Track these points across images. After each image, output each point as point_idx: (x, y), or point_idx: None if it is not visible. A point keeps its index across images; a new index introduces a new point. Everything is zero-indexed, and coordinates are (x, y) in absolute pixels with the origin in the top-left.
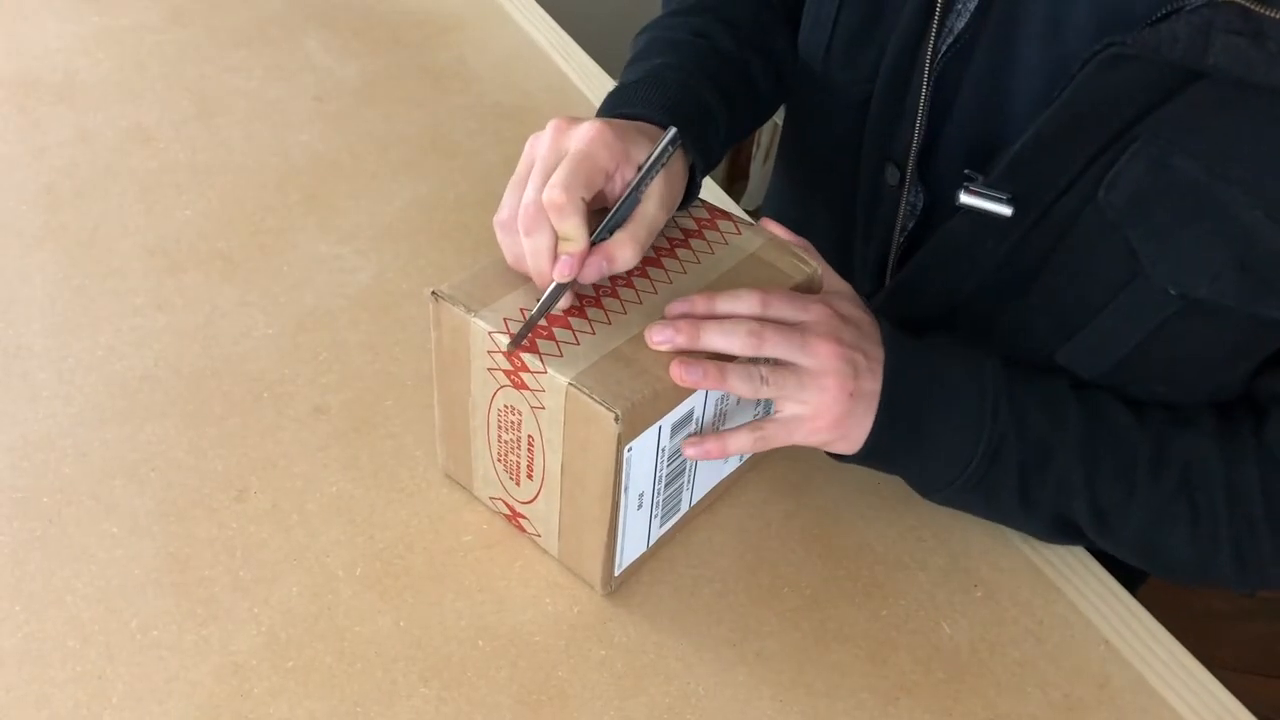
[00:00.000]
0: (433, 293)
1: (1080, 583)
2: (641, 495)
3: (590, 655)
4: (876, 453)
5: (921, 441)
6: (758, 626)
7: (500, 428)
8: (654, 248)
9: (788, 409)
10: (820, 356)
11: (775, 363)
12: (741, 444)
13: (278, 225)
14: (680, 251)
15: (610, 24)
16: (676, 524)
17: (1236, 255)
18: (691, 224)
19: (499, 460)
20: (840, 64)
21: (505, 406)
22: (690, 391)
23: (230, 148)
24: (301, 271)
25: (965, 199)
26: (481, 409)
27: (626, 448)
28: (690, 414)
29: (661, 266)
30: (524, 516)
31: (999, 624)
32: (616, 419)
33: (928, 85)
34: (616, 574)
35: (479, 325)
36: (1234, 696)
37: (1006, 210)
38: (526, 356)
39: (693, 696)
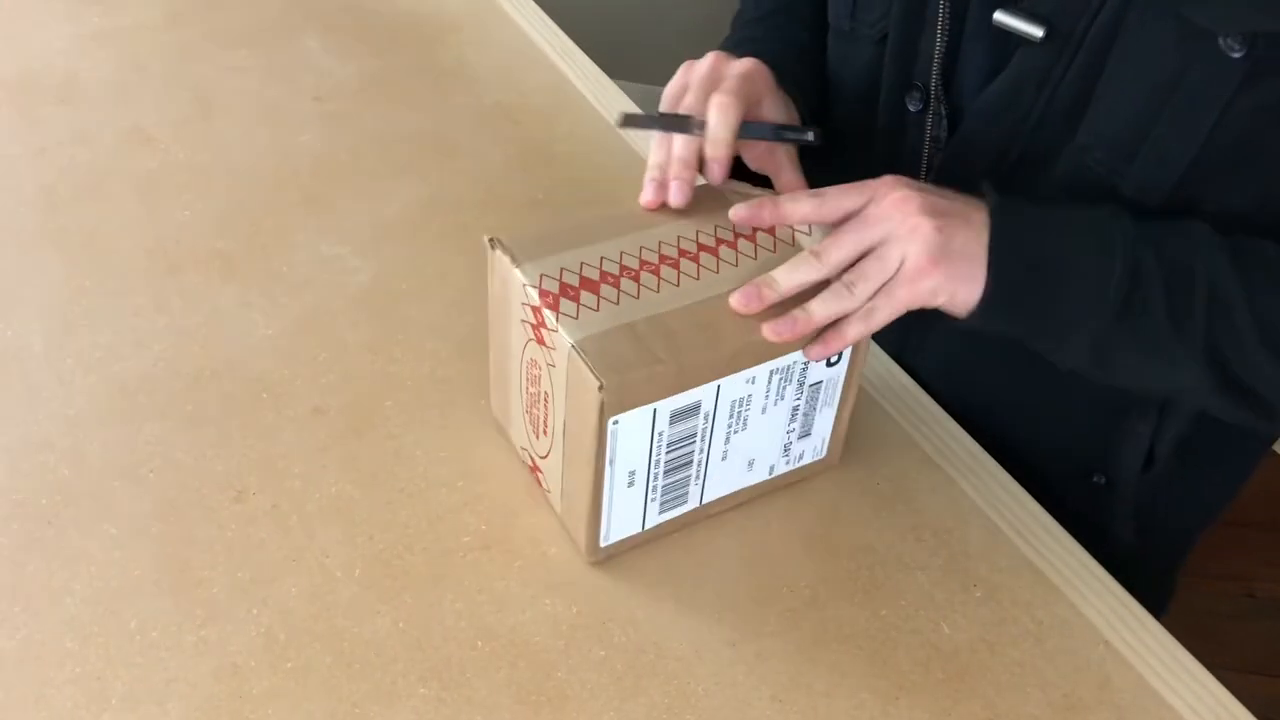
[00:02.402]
0: (489, 239)
1: (1080, 583)
2: (633, 474)
3: (590, 655)
4: (1001, 295)
5: (1050, 269)
6: (758, 626)
7: (527, 380)
8: (717, 233)
9: (890, 261)
10: (886, 220)
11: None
12: (857, 333)
13: (278, 225)
14: (742, 244)
15: (610, 25)
16: (685, 517)
17: None
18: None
19: (527, 412)
20: (864, 9)
21: (531, 360)
22: (696, 384)
23: (230, 148)
24: (301, 271)
25: (999, 16)
26: (515, 359)
27: (612, 420)
28: (697, 407)
29: (716, 255)
30: (541, 471)
31: (999, 624)
32: (600, 388)
33: None
34: (603, 545)
35: (518, 276)
36: (1234, 696)
37: (1038, 31)
38: (547, 313)
39: (692, 696)
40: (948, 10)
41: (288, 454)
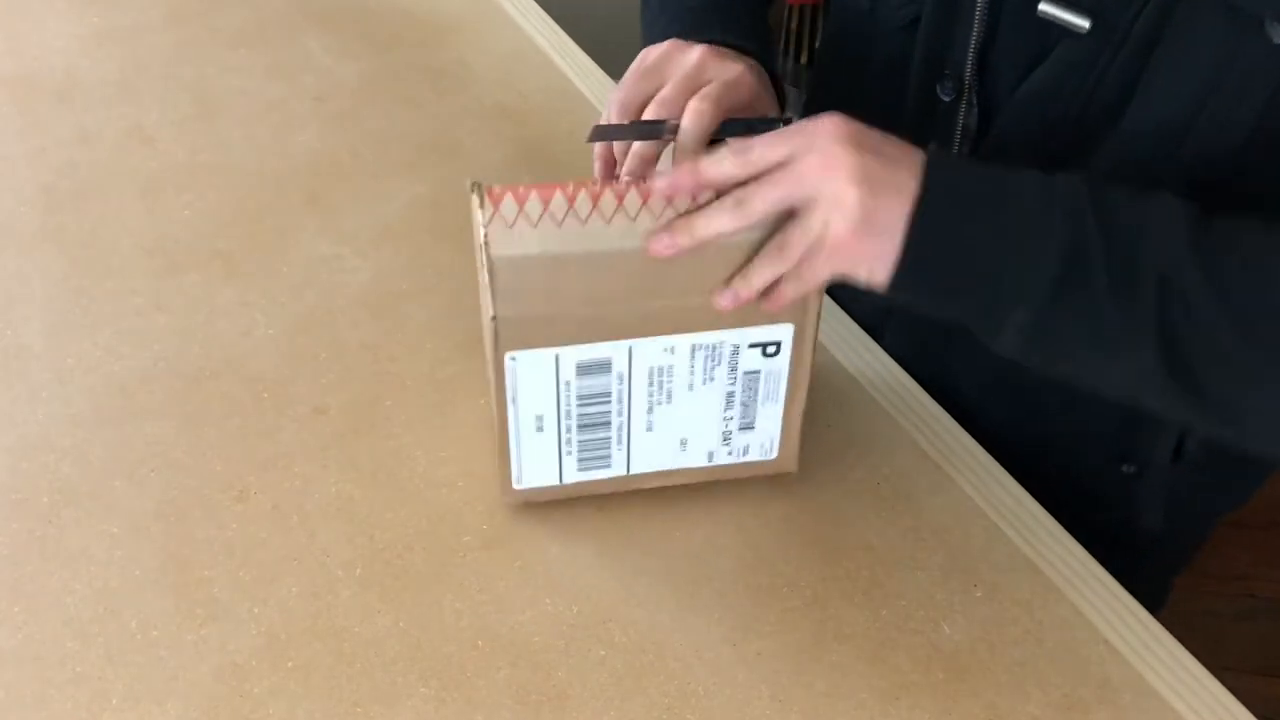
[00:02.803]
0: (473, 184)
1: (1080, 583)
2: (540, 419)
3: (590, 655)
4: (912, 276)
5: (976, 248)
6: (758, 626)
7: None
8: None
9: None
10: (813, 180)
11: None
12: (791, 291)
13: (278, 225)
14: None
15: (609, 25)
16: (613, 483)
17: None
18: None
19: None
20: None
21: (484, 282)
22: (601, 338)
23: (230, 148)
24: (301, 271)
25: (1045, 7)
26: (484, 301)
27: (509, 355)
28: (608, 364)
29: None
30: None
31: (999, 624)
32: (493, 319)
33: None
34: (516, 488)
35: (476, 200)
36: (1234, 696)
37: (1084, 22)
38: (493, 220)
39: (692, 696)
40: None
41: (288, 454)
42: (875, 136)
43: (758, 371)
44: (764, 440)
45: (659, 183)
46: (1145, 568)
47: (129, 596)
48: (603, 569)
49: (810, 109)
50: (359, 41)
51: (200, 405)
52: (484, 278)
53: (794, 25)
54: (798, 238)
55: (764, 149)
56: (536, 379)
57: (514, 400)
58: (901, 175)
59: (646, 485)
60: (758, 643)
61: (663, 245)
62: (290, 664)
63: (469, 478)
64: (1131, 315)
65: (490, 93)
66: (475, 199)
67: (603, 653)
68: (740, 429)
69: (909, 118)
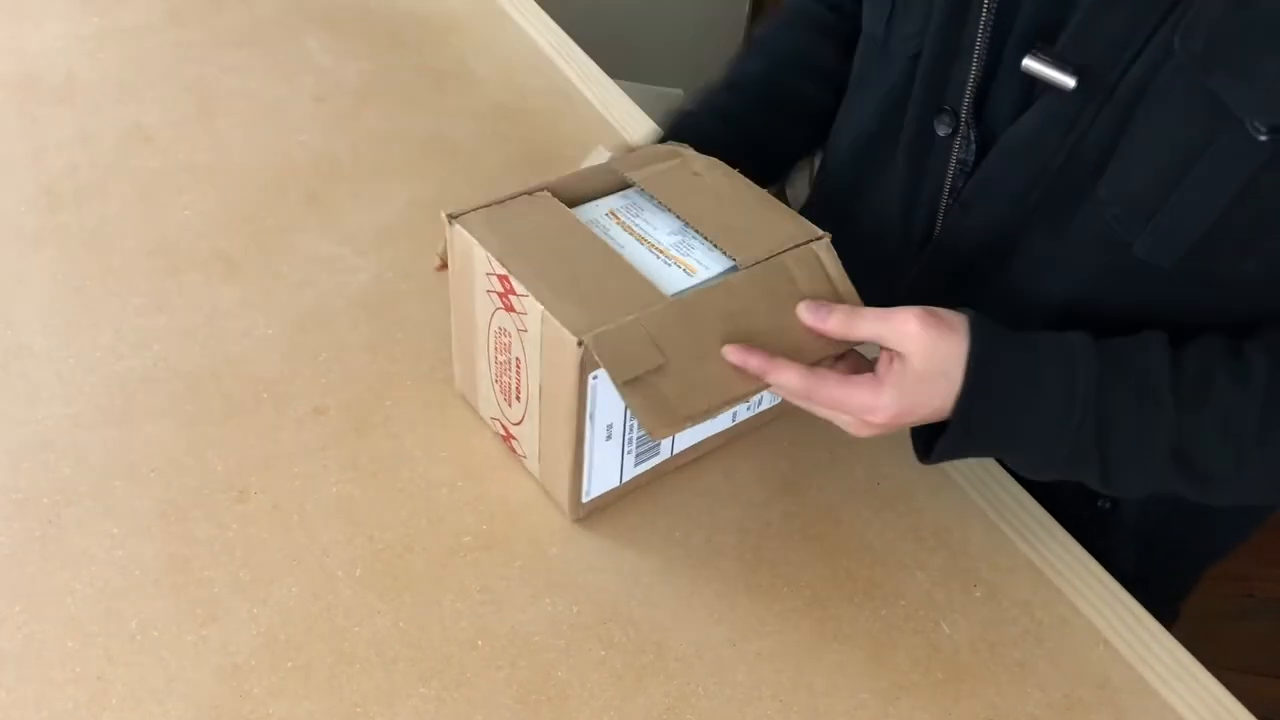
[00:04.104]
0: (448, 215)
1: (1080, 583)
2: (610, 427)
3: (590, 655)
4: (957, 450)
5: (1010, 442)
6: (758, 626)
7: (496, 349)
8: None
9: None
10: (852, 413)
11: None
12: (789, 381)
13: (278, 225)
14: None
15: (610, 25)
16: (657, 468)
17: None
18: None
19: (496, 381)
20: (901, 20)
21: (500, 329)
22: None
23: (230, 148)
24: (301, 271)
25: (1029, 63)
26: (482, 331)
27: (591, 375)
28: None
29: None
30: (514, 438)
31: (999, 624)
32: (580, 344)
33: (988, 9)
34: (585, 501)
35: (480, 250)
36: (1234, 696)
37: (1070, 81)
38: (514, 280)
39: (693, 696)
40: (986, 40)
41: (288, 454)
42: (923, 376)
43: None
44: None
45: (731, 352)
46: None
47: (129, 596)
48: (602, 569)
49: (820, 173)
50: (359, 41)
51: (200, 405)
52: (524, 324)
53: None
54: (825, 416)
55: (830, 397)
56: (611, 390)
57: (592, 417)
58: (934, 401)
59: (682, 462)
60: (758, 643)
61: (736, 357)
62: (290, 664)
63: (469, 478)
64: (1148, 472)
65: (490, 93)
66: (458, 229)
67: (603, 653)
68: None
69: (906, 146)
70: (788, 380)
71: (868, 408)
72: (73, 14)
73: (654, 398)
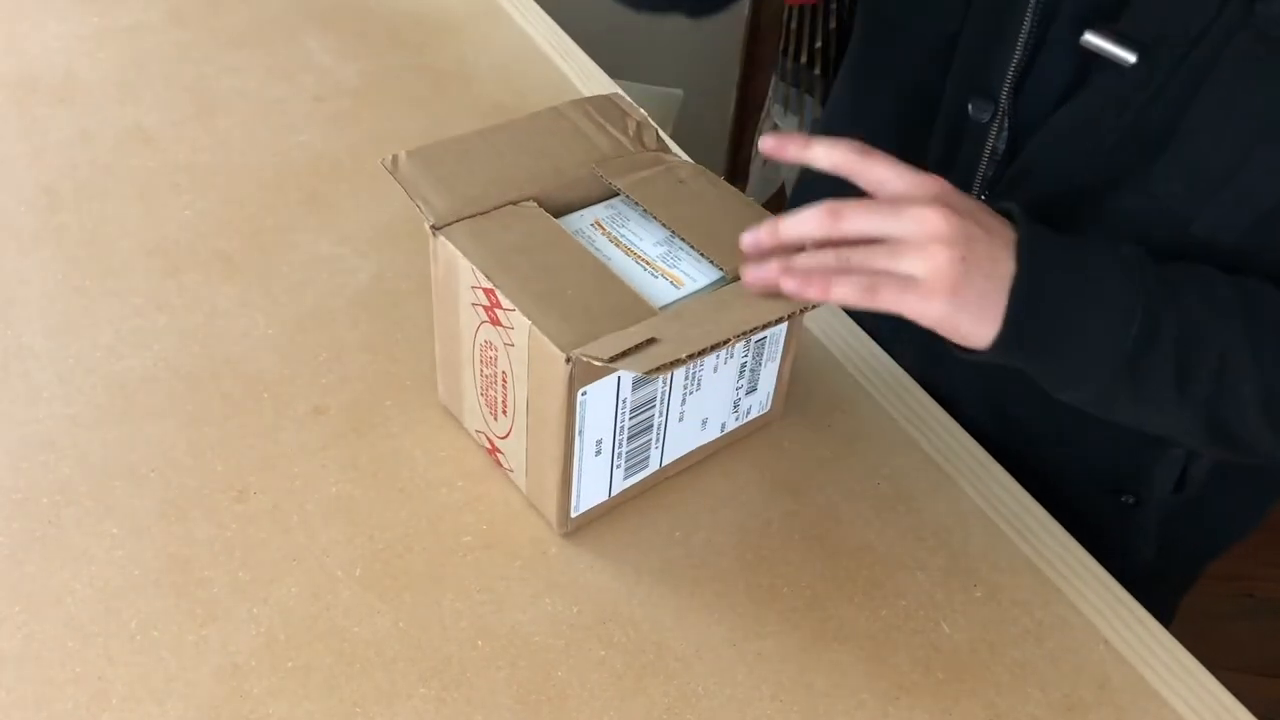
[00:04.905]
0: (431, 227)
1: (1080, 583)
2: (600, 442)
3: (590, 655)
4: (1012, 341)
5: (1068, 325)
6: (758, 626)
7: (482, 362)
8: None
9: (899, 271)
10: (918, 220)
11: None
12: (847, 295)
13: (278, 225)
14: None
15: (610, 25)
16: (646, 481)
17: None
18: None
19: (482, 394)
20: (932, 3)
21: (485, 342)
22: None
23: (230, 148)
24: (301, 271)
25: (1090, 38)
26: (467, 343)
27: (580, 391)
28: None
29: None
30: (501, 451)
31: (999, 624)
32: (568, 360)
33: None
34: (573, 515)
35: (465, 263)
36: (1234, 696)
37: (1130, 56)
38: (500, 293)
39: (693, 696)
40: (1034, 20)
41: (288, 454)
42: (974, 207)
43: (765, 337)
44: (762, 398)
45: (744, 238)
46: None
47: (129, 596)
48: (602, 569)
49: (830, 121)
50: (359, 41)
51: (200, 405)
52: (510, 338)
53: (794, 26)
54: (883, 262)
55: (886, 168)
56: (601, 406)
57: (580, 434)
58: (996, 247)
59: (671, 473)
60: (758, 643)
61: (755, 240)
62: (290, 664)
63: (469, 478)
64: (1187, 394)
65: (490, 93)
66: (442, 241)
67: (603, 653)
68: (746, 394)
69: (938, 135)
70: (828, 155)
71: (927, 189)
72: (72, 14)
73: (653, 355)
